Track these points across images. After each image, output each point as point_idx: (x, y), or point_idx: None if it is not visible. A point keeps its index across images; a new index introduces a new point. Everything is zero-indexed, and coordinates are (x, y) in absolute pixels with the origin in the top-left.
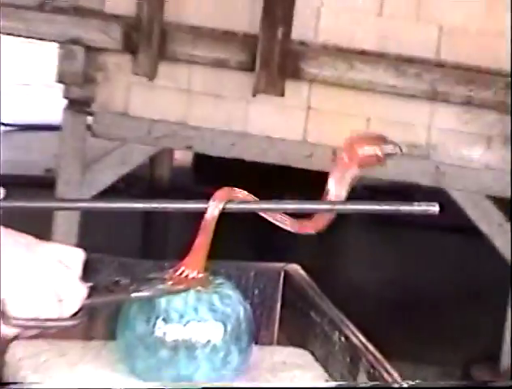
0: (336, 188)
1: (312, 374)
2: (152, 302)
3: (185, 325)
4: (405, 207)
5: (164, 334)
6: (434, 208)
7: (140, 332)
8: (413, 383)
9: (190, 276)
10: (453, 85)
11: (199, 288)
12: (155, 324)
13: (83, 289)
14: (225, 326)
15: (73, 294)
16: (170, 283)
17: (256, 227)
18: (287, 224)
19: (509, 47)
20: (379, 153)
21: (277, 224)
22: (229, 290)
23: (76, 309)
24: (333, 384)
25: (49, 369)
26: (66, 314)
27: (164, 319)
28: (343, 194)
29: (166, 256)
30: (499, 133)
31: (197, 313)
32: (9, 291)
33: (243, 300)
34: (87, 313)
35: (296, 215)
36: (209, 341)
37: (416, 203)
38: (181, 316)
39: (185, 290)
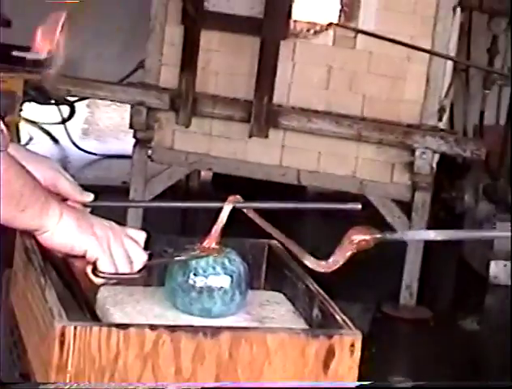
0: (336, 258)
1: (285, 308)
2: (187, 263)
3: (207, 277)
4: (341, 206)
5: (194, 282)
6: (358, 206)
7: (179, 281)
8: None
9: (211, 247)
10: (371, 131)
11: (216, 254)
12: (188, 276)
13: (144, 255)
14: (232, 278)
15: (139, 258)
16: (198, 251)
17: (251, 221)
18: (308, 262)
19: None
20: (368, 240)
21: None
22: (234, 256)
23: (140, 267)
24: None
25: (123, 304)
26: (134, 270)
27: (194, 273)
28: (340, 262)
29: (196, 235)
30: (399, 161)
31: (214, 269)
32: (100, 255)
33: (243, 262)
34: (146, 270)
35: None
36: (222, 287)
37: (347, 203)
38: (204, 271)
39: (207, 256)
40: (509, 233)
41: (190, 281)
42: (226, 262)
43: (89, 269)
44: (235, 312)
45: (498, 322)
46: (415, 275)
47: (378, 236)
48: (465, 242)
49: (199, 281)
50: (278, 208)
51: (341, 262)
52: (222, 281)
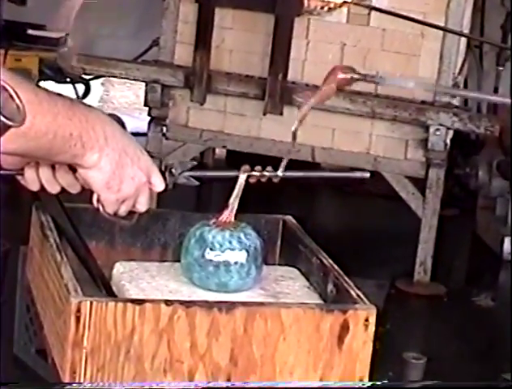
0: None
1: (299, 283)
2: (203, 238)
3: (223, 251)
4: (349, 174)
5: (211, 257)
6: (366, 174)
7: (196, 256)
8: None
9: (227, 221)
10: (385, 109)
11: (232, 228)
12: (205, 251)
13: (147, 206)
14: (248, 252)
15: (143, 205)
16: (215, 225)
17: (268, 195)
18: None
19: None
20: (348, 79)
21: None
22: (250, 230)
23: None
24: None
25: (138, 280)
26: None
27: (210, 248)
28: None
29: (210, 211)
30: (413, 138)
31: (231, 244)
32: (110, 207)
33: (258, 236)
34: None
35: None
36: (238, 261)
37: (356, 171)
38: (221, 246)
39: (223, 230)
40: (509, 100)
41: (207, 256)
42: (242, 236)
43: (95, 199)
44: (251, 286)
45: None
46: (429, 251)
47: (357, 76)
48: (478, 218)
49: (216, 256)
50: (288, 177)
51: (324, 98)
52: (238, 256)
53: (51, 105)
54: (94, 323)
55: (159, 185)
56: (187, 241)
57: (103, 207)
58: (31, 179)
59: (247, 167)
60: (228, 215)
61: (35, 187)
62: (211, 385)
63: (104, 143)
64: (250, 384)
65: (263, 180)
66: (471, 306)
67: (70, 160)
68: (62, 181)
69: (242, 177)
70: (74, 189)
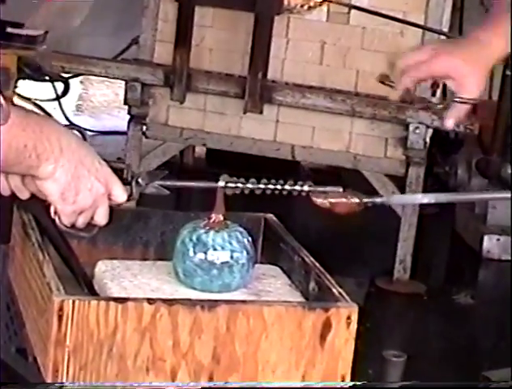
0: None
1: (281, 281)
2: (202, 241)
3: (225, 253)
4: (325, 189)
5: (214, 260)
6: (339, 189)
7: (197, 261)
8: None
9: (219, 220)
10: (364, 107)
11: (226, 228)
12: (207, 254)
13: (106, 218)
14: (247, 250)
15: (102, 217)
16: (208, 227)
17: (249, 193)
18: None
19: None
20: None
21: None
22: (241, 228)
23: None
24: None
25: (120, 278)
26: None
27: (212, 251)
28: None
29: (191, 209)
30: (392, 136)
31: (231, 245)
32: (66, 219)
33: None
34: (98, 229)
35: None
36: (239, 261)
37: (328, 187)
38: (223, 248)
39: (218, 231)
40: (508, 194)
41: (210, 258)
42: (239, 235)
43: (53, 210)
44: (249, 283)
45: (492, 296)
46: (408, 249)
47: (366, 200)
48: (458, 216)
49: (219, 257)
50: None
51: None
52: (240, 255)
53: None
54: (76, 322)
55: (120, 196)
56: (182, 245)
57: (59, 218)
58: (1, 185)
59: (225, 176)
60: (219, 213)
61: (5, 192)
62: (191, 386)
63: (60, 154)
64: (232, 384)
65: (238, 192)
66: (451, 304)
67: (25, 171)
68: (30, 187)
69: (221, 184)
70: (43, 195)
